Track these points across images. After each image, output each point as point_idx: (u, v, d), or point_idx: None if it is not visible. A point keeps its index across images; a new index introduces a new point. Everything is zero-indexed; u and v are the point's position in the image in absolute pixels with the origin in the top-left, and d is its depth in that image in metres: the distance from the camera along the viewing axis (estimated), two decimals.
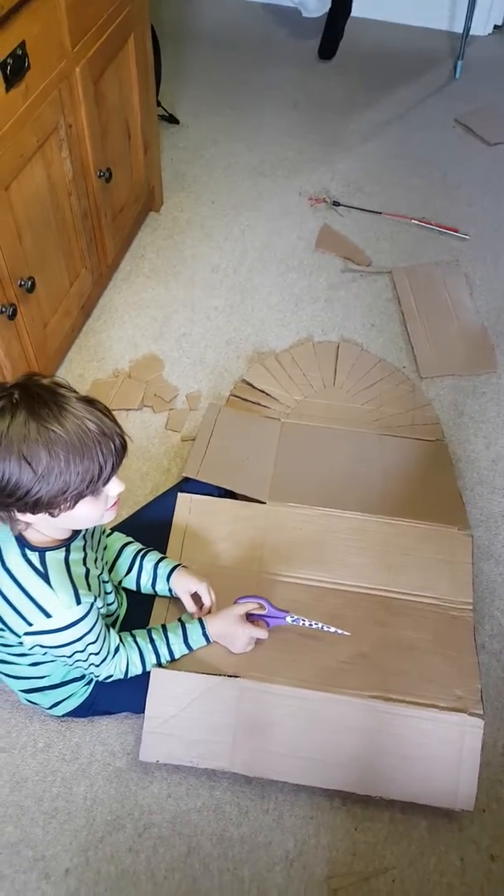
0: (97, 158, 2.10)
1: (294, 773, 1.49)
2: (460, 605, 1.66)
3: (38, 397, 1.08)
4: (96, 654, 1.34)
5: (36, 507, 1.11)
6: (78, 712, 1.55)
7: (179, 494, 1.79)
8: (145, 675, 1.49)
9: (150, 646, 1.48)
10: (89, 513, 1.17)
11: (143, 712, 1.50)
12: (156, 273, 2.60)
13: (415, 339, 2.39)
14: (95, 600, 1.27)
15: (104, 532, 1.51)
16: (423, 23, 3.80)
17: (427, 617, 1.64)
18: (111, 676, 1.44)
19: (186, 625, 1.52)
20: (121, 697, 1.55)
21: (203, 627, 1.51)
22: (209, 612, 1.56)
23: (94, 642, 1.30)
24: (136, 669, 1.47)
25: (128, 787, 1.55)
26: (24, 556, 1.22)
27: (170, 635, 1.50)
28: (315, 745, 1.49)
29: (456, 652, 1.59)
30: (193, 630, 1.51)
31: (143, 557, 1.57)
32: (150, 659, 1.48)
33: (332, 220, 2.81)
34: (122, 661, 1.44)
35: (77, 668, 1.39)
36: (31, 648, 1.29)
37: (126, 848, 1.49)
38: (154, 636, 1.49)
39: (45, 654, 1.32)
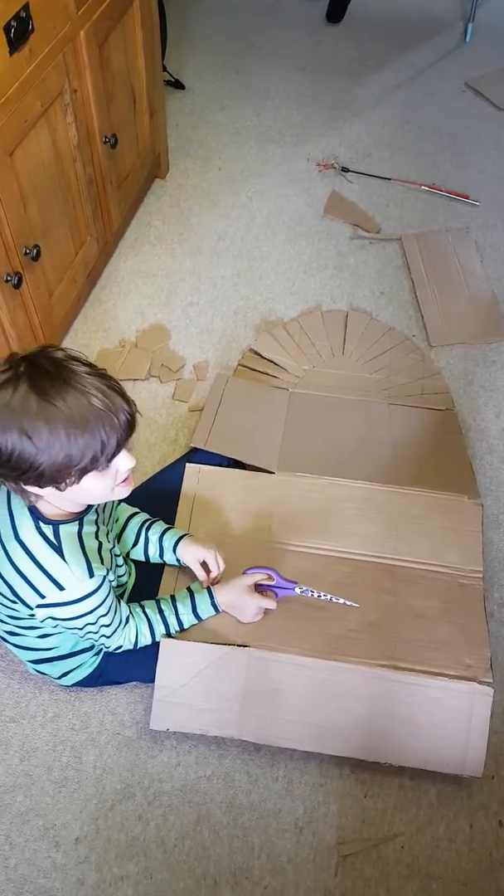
0: (102, 124, 2.07)
1: (303, 741, 1.50)
2: (470, 573, 1.66)
3: (43, 371, 1.07)
4: (107, 626, 1.34)
5: (41, 479, 1.10)
6: (87, 682, 1.56)
7: (187, 465, 1.78)
8: (154, 646, 1.49)
9: (159, 616, 1.48)
10: (97, 488, 1.16)
11: (152, 682, 1.51)
12: (162, 241, 2.57)
13: (424, 308, 2.36)
14: (108, 573, 1.27)
15: (115, 505, 1.50)
16: None
17: (436, 585, 1.64)
18: (121, 647, 1.44)
19: (195, 595, 1.52)
20: (129, 667, 1.55)
21: (212, 597, 1.51)
22: (218, 579, 1.56)
23: (105, 615, 1.30)
24: (145, 640, 1.47)
25: (137, 756, 1.56)
26: (38, 528, 1.21)
27: (179, 605, 1.50)
28: (324, 712, 1.49)
29: (465, 620, 1.59)
30: (202, 600, 1.51)
31: (147, 529, 1.57)
32: (160, 629, 1.48)
33: (341, 186, 2.78)
34: (131, 632, 1.44)
35: (87, 639, 1.39)
36: (42, 621, 1.28)
37: (136, 816, 1.50)
38: (163, 606, 1.49)
39: (56, 626, 1.32)
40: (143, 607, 1.48)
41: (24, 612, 1.28)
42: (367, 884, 1.44)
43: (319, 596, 1.53)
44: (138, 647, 1.47)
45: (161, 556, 1.57)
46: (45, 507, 1.21)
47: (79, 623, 1.28)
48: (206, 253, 2.54)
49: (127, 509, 1.59)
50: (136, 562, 1.61)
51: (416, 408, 2.02)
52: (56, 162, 1.89)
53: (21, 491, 1.15)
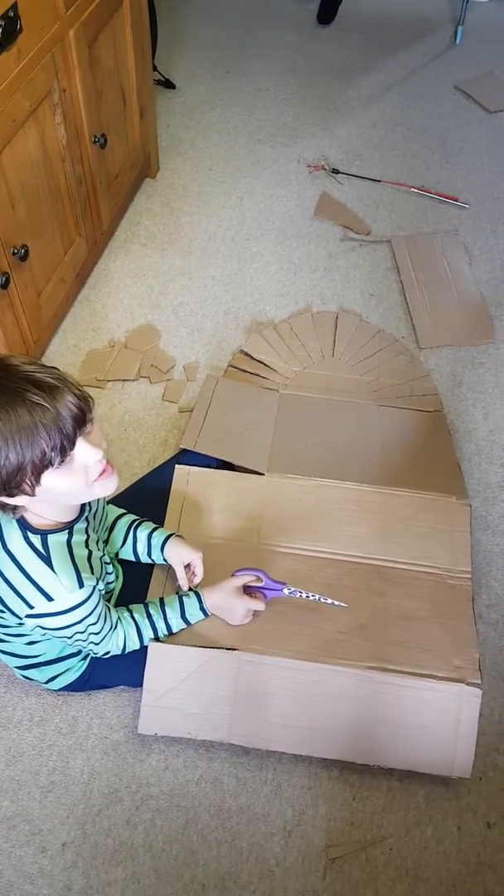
0: (92, 124, 2.07)
1: (292, 744, 1.49)
2: (458, 574, 1.66)
3: None
4: (97, 633, 1.33)
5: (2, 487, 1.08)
6: (74, 687, 1.55)
7: (177, 466, 1.77)
8: (142, 650, 1.49)
9: (147, 620, 1.47)
10: (67, 486, 1.12)
11: (140, 686, 1.50)
12: (152, 241, 2.56)
13: (414, 310, 2.36)
14: (97, 583, 1.26)
15: (106, 514, 1.49)
16: None
17: (425, 586, 1.64)
18: (109, 653, 1.43)
19: (184, 599, 1.51)
20: (117, 671, 1.54)
21: (200, 601, 1.50)
22: (197, 584, 1.55)
23: (94, 623, 1.29)
24: (133, 644, 1.46)
25: (125, 760, 1.55)
26: (27, 538, 1.20)
27: (167, 609, 1.49)
28: (313, 715, 1.49)
29: (454, 621, 1.59)
30: (191, 604, 1.50)
31: (136, 528, 1.56)
32: (148, 633, 1.47)
33: (331, 187, 2.77)
34: (119, 638, 1.43)
35: (76, 646, 1.38)
36: (31, 630, 1.27)
37: (124, 821, 1.49)
38: (151, 610, 1.48)
39: (45, 634, 1.31)
40: (130, 612, 1.47)
41: (13, 620, 1.27)
42: (355, 887, 1.44)
43: (308, 596, 1.53)
44: (126, 651, 1.46)
45: (149, 553, 1.56)
46: (32, 517, 1.20)
47: (68, 633, 1.27)
48: (197, 253, 2.53)
49: (114, 510, 1.58)
50: (124, 564, 1.60)
51: (406, 409, 2.02)
52: (45, 161, 1.89)
53: (1, 505, 1.14)
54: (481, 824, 1.51)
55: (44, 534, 1.20)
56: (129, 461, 1.99)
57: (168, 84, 3.14)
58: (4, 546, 1.20)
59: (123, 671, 1.53)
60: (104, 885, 1.43)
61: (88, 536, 1.28)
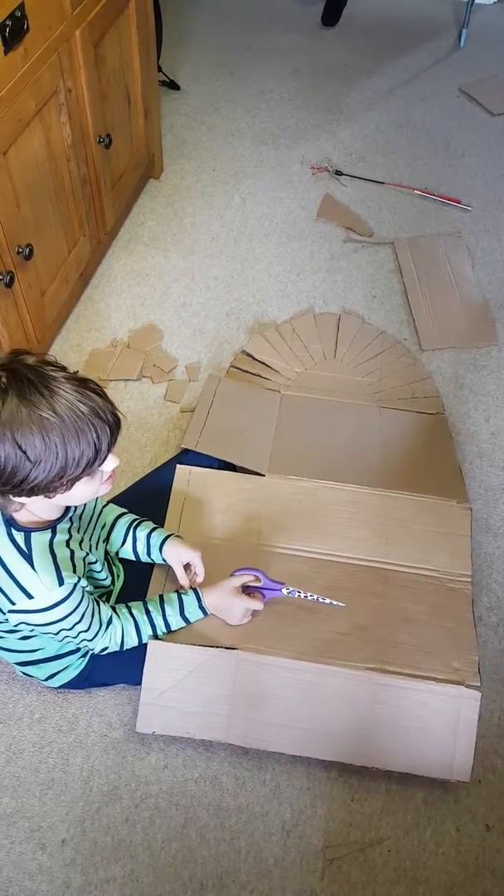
0: (97, 124, 2.07)
1: (291, 745, 1.49)
2: (458, 577, 1.66)
3: (27, 380, 1.04)
4: (85, 630, 1.33)
5: (33, 491, 1.09)
6: (74, 684, 1.55)
7: (178, 466, 1.78)
8: (142, 648, 1.49)
9: (145, 617, 1.47)
10: (86, 492, 1.16)
11: (140, 684, 1.50)
12: (155, 241, 2.57)
13: (416, 312, 2.37)
14: (79, 581, 1.26)
15: (100, 513, 1.49)
16: None
17: (425, 589, 1.64)
18: (106, 648, 1.44)
19: (183, 596, 1.51)
20: (117, 669, 1.55)
21: (199, 599, 1.51)
22: (197, 583, 1.56)
23: (79, 621, 1.29)
24: (131, 641, 1.46)
25: (125, 758, 1.55)
26: (10, 535, 1.21)
27: (166, 606, 1.49)
28: (312, 716, 1.49)
29: (453, 624, 1.59)
30: (190, 602, 1.50)
31: (135, 528, 1.56)
32: (146, 630, 1.47)
33: (335, 189, 2.78)
34: (116, 633, 1.43)
35: (68, 643, 1.39)
36: (16, 625, 1.28)
37: (123, 818, 1.49)
38: (150, 607, 1.49)
39: (32, 630, 1.32)
40: (129, 608, 1.48)
41: (0, 616, 1.27)
42: (353, 888, 1.44)
43: (306, 596, 1.53)
44: (125, 648, 1.46)
45: (148, 553, 1.57)
46: (19, 514, 1.20)
47: (53, 629, 1.27)
48: (200, 254, 2.54)
49: (115, 510, 1.58)
50: (125, 563, 1.61)
51: (407, 411, 2.02)
52: (50, 161, 1.89)
53: (7, 502, 1.14)
54: (480, 827, 1.51)
55: (28, 531, 1.21)
56: (130, 460, 1.99)
57: (173, 85, 3.14)
58: None
59: (123, 669, 1.53)
60: (102, 883, 1.43)
61: (71, 536, 1.29)
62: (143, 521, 1.59)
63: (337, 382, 2.09)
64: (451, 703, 1.48)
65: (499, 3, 3.72)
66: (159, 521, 1.65)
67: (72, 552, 1.28)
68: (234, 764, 1.55)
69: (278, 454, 1.85)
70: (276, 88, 3.20)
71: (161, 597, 1.52)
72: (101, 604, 1.41)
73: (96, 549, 1.43)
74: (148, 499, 1.72)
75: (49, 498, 1.12)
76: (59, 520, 1.26)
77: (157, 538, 1.56)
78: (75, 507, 1.32)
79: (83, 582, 1.28)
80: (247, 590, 1.55)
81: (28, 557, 1.20)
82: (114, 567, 1.58)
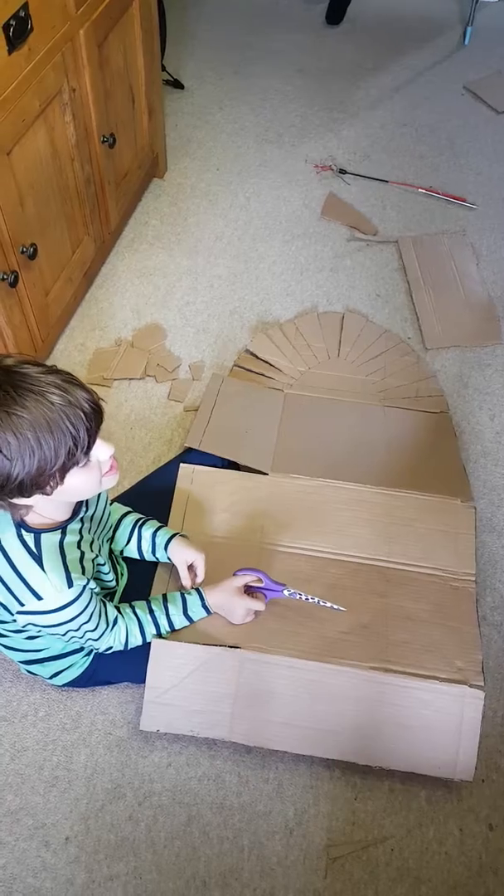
0: (101, 123, 2.07)
1: (294, 743, 1.50)
2: (462, 576, 1.66)
3: None
4: (92, 630, 1.33)
5: (22, 489, 1.09)
6: (78, 682, 1.56)
7: (181, 465, 1.78)
8: (146, 647, 1.49)
9: (149, 617, 1.48)
10: (84, 483, 1.15)
11: (144, 682, 1.51)
12: (159, 240, 2.57)
13: (420, 310, 2.36)
14: (88, 582, 1.26)
15: (109, 512, 1.49)
16: None
17: (428, 588, 1.64)
18: (111, 648, 1.44)
19: (186, 596, 1.52)
20: (121, 668, 1.55)
21: (202, 598, 1.51)
22: (198, 584, 1.56)
23: (87, 622, 1.30)
24: (136, 640, 1.47)
25: (128, 756, 1.56)
26: (20, 536, 1.21)
27: (169, 606, 1.50)
28: (315, 715, 1.49)
29: (457, 623, 1.59)
30: (193, 601, 1.51)
31: (141, 526, 1.57)
32: (150, 630, 1.48)
33: (339, 187, 2.78)
34: (121, 633, 1.44)
35: (74, 643, 1.39)
36: (24, 626, 1.28)
37: (126, 816, 1.50)
38: (154, 607, 1.49)
39: (39, 631, 1.32)
40: (133, 608, 1.48)
41: (7, 616, 1.28)
42: (356, 886, 1.44)
43: (307, 599, 1.53)
44: (129, 647, 1.47)
45: (153, 552, 1.57)
46: (29, 516, 1.20)
47: (60, 630, 1.28)
48: (204, 253, 2.54)
49: (120, 508, 1.59)
50: (129, 562, 1.61)
51: (411, 410, 2.02)
52: (54, 161, 1.89)
53: (11, 507, 1.15)
54: (483, 826, 1.51)
55: (37, 532, 1.21)
56: (134, 459, 2.00)
57: (177, 84, 3.14)
58: None
59: (127, 667, 1.54)
60: (106, 880, 1.44)
61: (82, 537, 1.29)
62: (148, 519, 1.59)
63: (341, 381, 2.09)
64: (454, 702, 1.48)
65: (503, 0, 3.71)
66: (163, 520, 1.65)
67: (82, 553, 1.28)
68: (238, 762, 1.55)
69: (282, 453, 1.85)
70: (281, 87, 3.20)
71: (164, 596, 1.52)
72: (107, 604, 1.41)
73: (106, 551, 1.43)
74: (151, 497, 1.72)
75: (46, 494, 1.12)
76: (70, 521, 1.26)
77: (162, 537, 1.56)
78: (86, 508, 1.32)
79: (91, 583, 1.28)
80: (248, 590, 1.55)
81: (38, 559, 1.20)
82: (118, 566, 1.58)
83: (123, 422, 2.08)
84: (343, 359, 2.16)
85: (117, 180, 2.32)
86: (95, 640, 1.37)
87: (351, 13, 3.55)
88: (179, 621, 1.50)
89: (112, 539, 1.56)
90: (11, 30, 1.57)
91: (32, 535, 1.21)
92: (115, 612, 1.43)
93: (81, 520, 1.29)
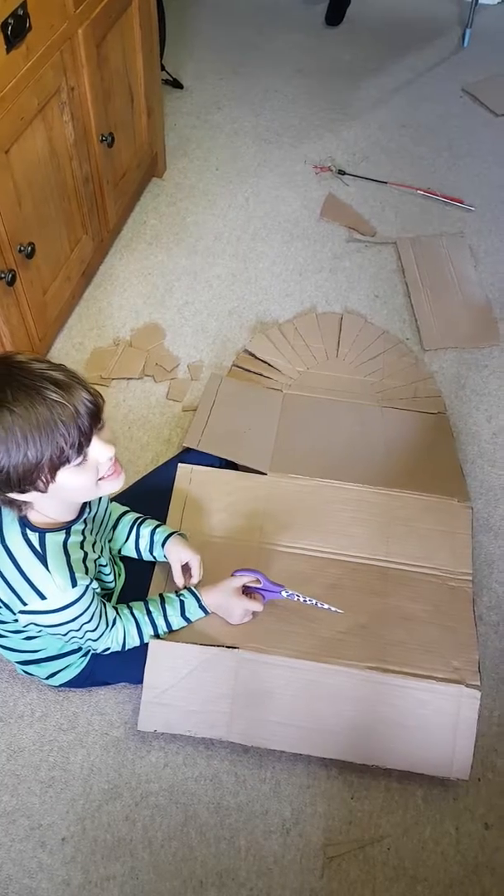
0: (99, 122, 2.07)
1: (291, 743, 1.50)
2: (459, 576, 1.66)
3: None
4: (92, 630, 1.33)
5: (10, 483, 1.08)
6: (75, 683, 1.56)
7: (180, 465, 1.78)
8: (143, 647, 1.49)
9: (146, 618, 1.48)
10: (79, 482, 1.14)
11: (141, 683, 1.50)
12: (158, 240, 2.57)
13: (418, 311, 2.36)
14: (91, 582, 1.26)
15: (110, 513, 1.49)
16: None
17: (426, 588, 1.64)
18: (109, 649, 1.44)
19: (183, 596, 1.51)
20: (118, 668, 1.55)
21: (198, 599, 1.51)
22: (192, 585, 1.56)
23: (88, 622, 1.30)
24: (133, 641, 1.47)
25: (125, 757, 1.56)
26: (25, 535, 1.21)
27: (167, 606, 1.50)
28: (312, 714, 1.49)
29: (454, 623, 1.59)
30: (190, 603, 1.51)
31: (139, 525, 1.57)
32: (148, 630, 1.48)
33: (338, 188, 2.78)
34: (119, 634, 1.44)
35: (72, 643, 1.39)
36: (25, 626, 1.28)
37: (123, 816, 1.50)
38: (151, 607, 1.49)
39: (40, 631, 1.32)
40: (130, 608, 1.48)
41: (9, 616, 1.28)
42: (352, 885, 1.44)
43: (305, 600, 1.53)
44: (126, 648, 1.46)
45: (151, 550, 1.57)
46: (33, 515, 1.20)
47: (62, 630, 1.28)
48: (202, 253, 2.54)
49: (118, 508, 1.58)
50: (126, 561, 1.61)
51: (409, 411, 2.02)
52: (52, 160, 1.89)
53: (8, 502, 1.14)
54: (479, 825, 1.51)
55: (42, 532, 1.21)
56: (132, 459, 2.00)
57: (176, 84, 3.14)
58: (3, 541, 1.21)
59: (124, 668, 1.54)
60: (102, 881, 1.43)
61: (85, 538, 1.29)
62: (146, 518, 1.59)
63: (339, 382, 2.09)
64: (451, 701, 1.48)
65: (502, 4, 3.71)
66: (161, 520, 1.65)
67: (85, 554, 1.28)
68: (235, 762, 1.55)
69: (280, 453, 1.85)
70: (280, 87, 3.20)
71: (162, 596, 1.52)
72: (107, 604, 1.41)
73: (107, 551, 1.43)
74: (150, 497, 1.72)
75: (40, 491, 1.11)
76: (74, 521, 1.26)
77: (160, 535, 1.56)
78: (90, 509, 1.32)
79: (94, 583, 1.28)
80: (246, 591, 1.55)
81: (42, 558, 1.20)
82: (115, 566, 1.58)
83: (122, 421, 2.08)
84: (341, 359, 2.16)
85: (116, 179, 2.32)
86: (95, 640, 1.37)
87: (350, 14, 3.55)
88: (177, 622, 1.50)
89: (111, 539, 1.55)
90: (10, 28, 1.57)
91: (37, 534, 1.21)
92: (115, 613, 1.43)
93: (84, 521, 1.29)
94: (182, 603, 1.50)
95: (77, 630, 1.29)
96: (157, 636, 1.50)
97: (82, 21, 1.86)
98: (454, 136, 3.01)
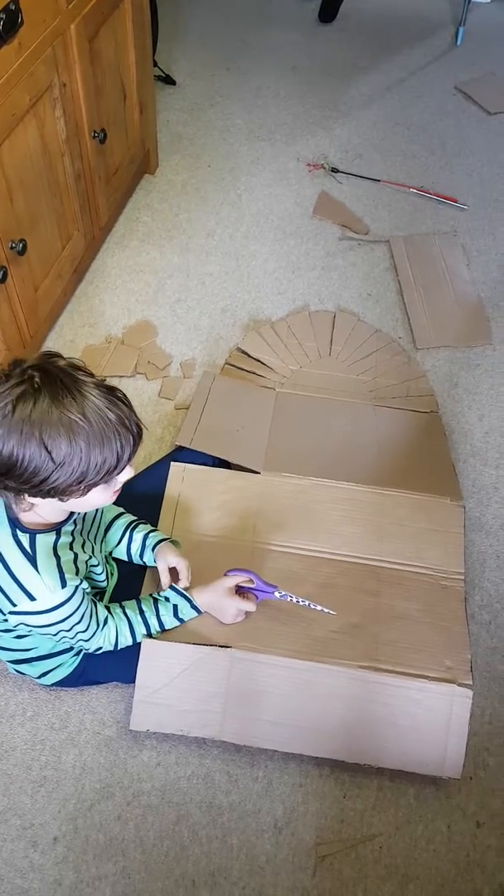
0: (91, 118, 2.06)
1: (283, 742, 1.49)
2: (451, 575, 1.66)
3: (59, 382, 1.05)
4: (83, 631, 1.33)
5: (49, 493, 1.09)
6: (67, 682, 1.55)
7: (172, 464, 1.77)
8: (135, 646, 1.49)
9: (139, 617, 1.47)
10: (99, 499, 1.17)
11: (133, 682, 1.50)
12: (150, 237, 2.56)
13: (411, 310, 2.37)
14: (81, 583, 1.26)
15: (101, 512, 1.49)
16: None
17: (418, 587, 1.64)
18: (101, 648, 1.44)
19: (176, 597, 1.51)
20: (110, 668, 1.54)
21: (190, 600, 1.50)
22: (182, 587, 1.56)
23: (78, 622, 1.29)
24: (126, 640, 1.46)
25: (117, 756, 1.55)
26: (15, 536, 1.20)
27: (160, 606, 1.49)
28: (305, 713, 1.49)
29: (446, 622, 1.59)
30: (183, 603, 1.50)
31: (133, 529, 1.56)
32: (140, 630, 1.47)
33: (331, 186, 2.78)
34: (111, 633, 1.43)
35: (63, 643, 1.38)
36: (15, 626, 1.28)
37: (115, 816, 1.49)
38: (144, 607, 1.49)
39: (30, 631, 1.32)
40: (123, 608, 1.48)
41: None
42: (344, 884, 1.44)
43: (298, 601, 1.53)
44: (119, 647, 1.46)
45: (141, 555, 1.56)
46: (25, 516, 1.20)
47: (52, 630, 1.27)
48: (195, 250, 2.53)
49: (113, 509, 1.58)
50: (118, 561, 1.60)
51: (402, 410, 2.03)
52: (44, 156, 1.88)
53: (19, 501, 1.14)
54: (471, 824, 1.51)
55: (33, 533, 1.21)
56: None
57: (168, 80, 3.13)
58: None
59: (117, 667, 1.53)
60: (94, 880, 1.43)
61: (74, 539, 1.29)
62: (141, 522, 1.59)
63: (332, 380, 2.09)
64: (443, 700, 1.49)
65: (496, 2, 3.72)
66: (153, 519, 1.65)
67: (75, 555, 1.28)
68: (227, 761, 1.55)
69: (273, 452, 1.84)
70: (273, 85, 3.20)
71: (154, 597, 1.52)
72: (98, 604, 1.41)
73: (99, 551, 1.43)
74: (142, 496, 1.71)
75: (62, 501, 1.12)
76: (64, 522, 1.26)
77: (152, 540, 1.55)
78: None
79: (84, 584, 1.28)
80: (240, 591, 1.54)
81: (32, 559, 1.20)
82: (108, 565, 1.58)
83: None
84: (334, 358, 2.16)
85: (108, 176, 2.31)
86: (86, 640, 1.37)
87: (344, 11, 3.55)
88: (170, 622, 1.50)
89: (103, 539, 1.55)
90: (1, 23, 1.56)
91: (28, 535, 1.20)
92: (106, 613, 1.43)
93: (74, 522, 1.29)
94: (175, 604, 1.50)
95: (68, 631, 1.29)
96: (149, 636, 1.49)
97: (75, 16, 1.85)
98: (447, 134, 3.01)
